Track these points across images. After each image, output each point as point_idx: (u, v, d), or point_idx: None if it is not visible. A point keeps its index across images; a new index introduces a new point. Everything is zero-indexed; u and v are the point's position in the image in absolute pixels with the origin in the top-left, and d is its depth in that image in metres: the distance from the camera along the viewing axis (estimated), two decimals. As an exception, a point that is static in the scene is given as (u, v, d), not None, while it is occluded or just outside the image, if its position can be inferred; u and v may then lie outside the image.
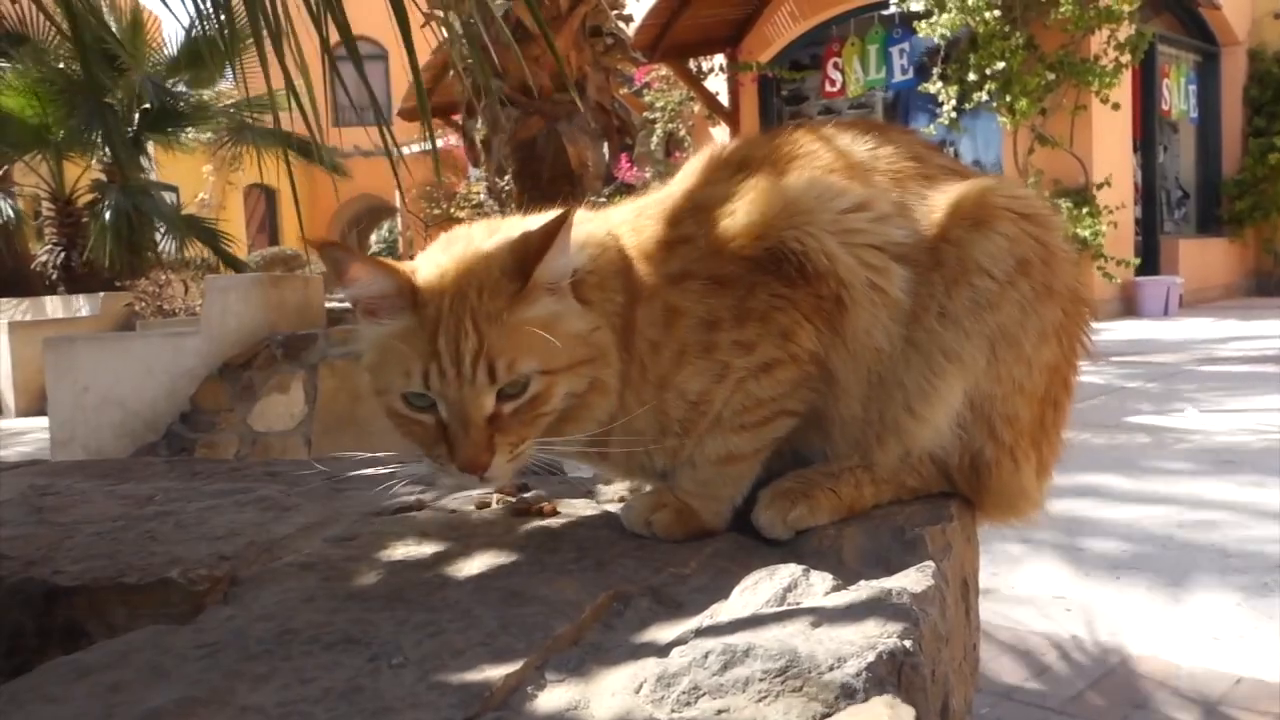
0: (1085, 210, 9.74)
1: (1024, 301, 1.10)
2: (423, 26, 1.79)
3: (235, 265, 11.43)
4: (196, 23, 1.67)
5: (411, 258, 1.14)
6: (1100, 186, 10.05)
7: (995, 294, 1.09)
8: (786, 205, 1.10)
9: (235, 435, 5.17)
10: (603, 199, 6.77)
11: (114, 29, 9.97)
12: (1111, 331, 8.79)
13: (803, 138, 1.22)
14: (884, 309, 1.10)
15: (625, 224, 1.17)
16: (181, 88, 10.90)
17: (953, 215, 1.13)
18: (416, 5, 1.77)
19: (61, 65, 9.37)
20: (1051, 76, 9.67)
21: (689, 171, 1.24)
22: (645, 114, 13.41)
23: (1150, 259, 11.66)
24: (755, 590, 0.93)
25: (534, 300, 1.02)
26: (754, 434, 1.13)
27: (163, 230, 10.87)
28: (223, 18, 1.60)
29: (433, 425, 1.03)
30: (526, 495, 1.36)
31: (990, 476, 1.15)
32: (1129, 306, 10.81)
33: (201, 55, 9.02)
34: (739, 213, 1.11)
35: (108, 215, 9.74)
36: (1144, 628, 2.30)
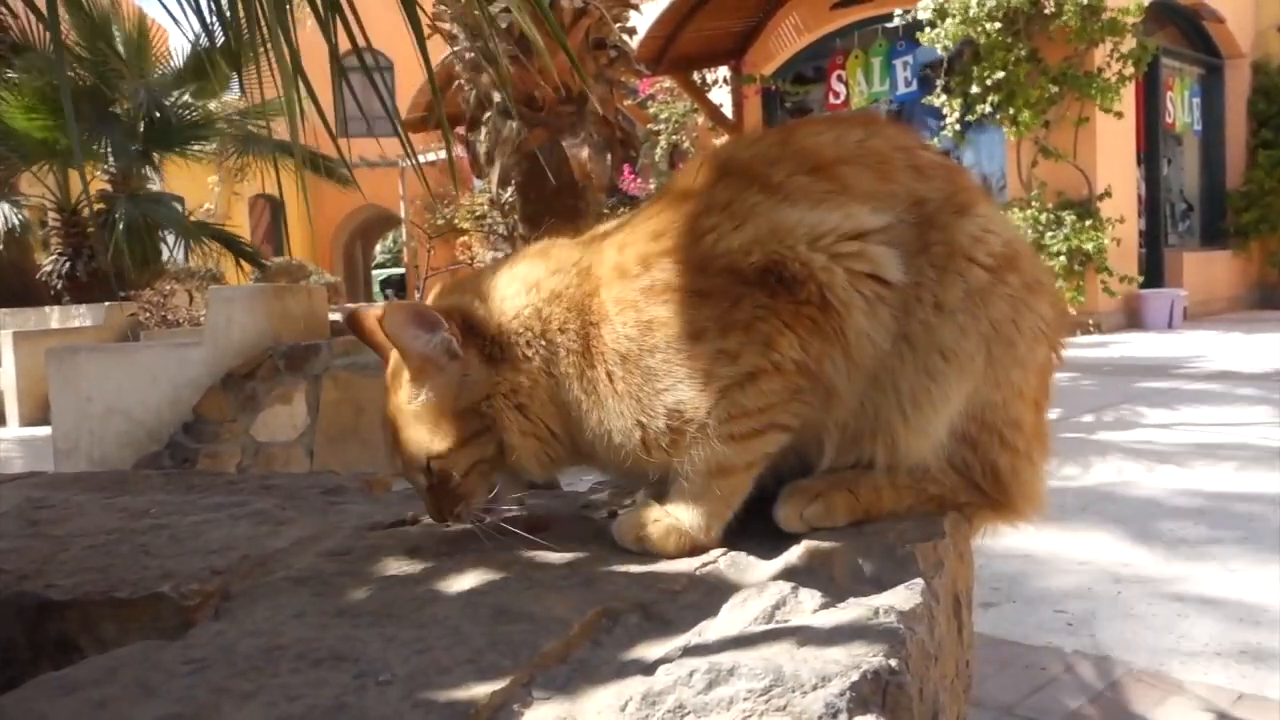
0: (1089, 223, 9.74)
1: (1015, 296, 1.10)
2: (428, 38, 1.79)
3: (256, 262, 11.46)
4: (202, 35, 1.67)
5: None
6: (1101, 197, 10.05)
7: (987, 285, 1.09)
8: (773, 226, 1.09)
9: (238, 446, 5.17)
10: (605, 210, 6.78)
11: (119, 40, 10.04)
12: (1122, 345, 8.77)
13: (782, 138, 1.21)
14: (881, 303, 1.09)
15: (611, 242, 1.20)
16: (187, 98, 10.95)
17: (939, 202, 1.13)
18: (424, 10, 1.77)
19: (70, 74, 9.40)
20: (1054, 89, 9.69)
21: (673, 183, 1.25)
22: (649, 126, 13.45)
23: (1154, 271, 11.65)
24: (744, 607, 0.93)
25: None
26: (744, 446, 1.12)
27: (172, 239, 10.91)
28: (227, 28, 1.60)
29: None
30: (520, 511, 1.36)
31: (1015, 481, 1.16)
32: (1133, 319, 10.79)
33: (206, 66, 9.05)
34: (724, 229, 1.11)
35: (120, 225, 9.77)
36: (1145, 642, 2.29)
